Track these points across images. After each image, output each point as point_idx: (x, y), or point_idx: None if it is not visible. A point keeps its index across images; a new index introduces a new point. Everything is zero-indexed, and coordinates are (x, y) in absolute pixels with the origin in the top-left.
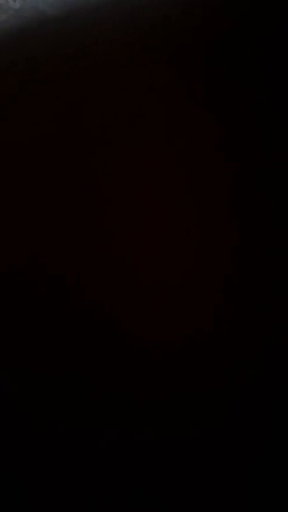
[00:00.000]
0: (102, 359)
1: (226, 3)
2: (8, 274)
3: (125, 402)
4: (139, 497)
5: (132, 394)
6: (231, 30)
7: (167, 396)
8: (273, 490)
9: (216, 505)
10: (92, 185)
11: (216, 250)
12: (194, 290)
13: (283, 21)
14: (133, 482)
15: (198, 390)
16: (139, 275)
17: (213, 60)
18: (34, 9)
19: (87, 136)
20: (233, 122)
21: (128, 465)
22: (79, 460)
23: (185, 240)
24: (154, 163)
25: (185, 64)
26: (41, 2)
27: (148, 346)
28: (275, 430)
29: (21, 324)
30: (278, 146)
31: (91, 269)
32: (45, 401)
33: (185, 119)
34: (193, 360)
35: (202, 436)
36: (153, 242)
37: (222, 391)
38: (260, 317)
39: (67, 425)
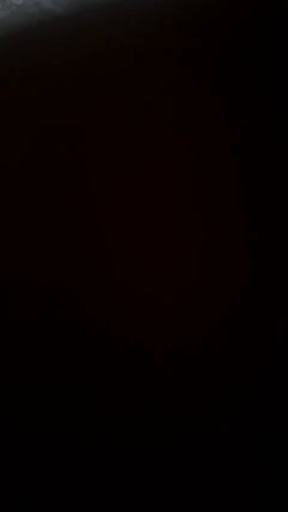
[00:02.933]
0: (101, 372)
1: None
2: (3, 288)
3: (126, 414)
4: (140, 500)
5: (132, 406)
6: (238, 29)
7: (166, 409)
8: (273, 492)
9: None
10: (88, 195)
11: (219, 263)
12: (196, 304)
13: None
14: (134, 489)
15: (197, 402)
16: (139, 289)
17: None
18: (36, 6)
19: (87, 138)
20: (244, 129)
21: (129, 472)
22: (79, 465)
23: (186, 254)
24: (154, 169)
25: (194, 66)
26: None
27: (148, 359)
28: (275, 435)
29: (19, 338)
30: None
31: (91, 284)
32: (44, 414)
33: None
34: (192, 373)
35: (202, 441)
36: (155, 255)
37: (220, 406)
38: (261, 330)
39: (67, 438)
